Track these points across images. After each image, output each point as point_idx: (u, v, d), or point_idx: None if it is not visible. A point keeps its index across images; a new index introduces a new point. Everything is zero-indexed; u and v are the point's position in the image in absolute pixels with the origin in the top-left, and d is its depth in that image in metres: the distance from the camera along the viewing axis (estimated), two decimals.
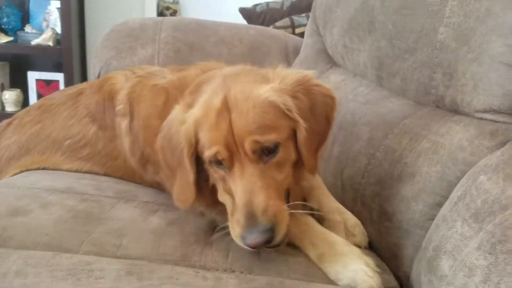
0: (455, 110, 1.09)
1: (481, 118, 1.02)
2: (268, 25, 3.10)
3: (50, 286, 0.79)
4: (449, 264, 0.79)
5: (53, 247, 0.93)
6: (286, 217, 0.93)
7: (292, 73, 1.07)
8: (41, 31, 3.61)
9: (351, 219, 1.13)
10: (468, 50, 1.02)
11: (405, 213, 1.06)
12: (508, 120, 0.98)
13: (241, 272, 0.93)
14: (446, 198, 0.97)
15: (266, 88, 0.98)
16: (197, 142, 0.99)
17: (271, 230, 0.89)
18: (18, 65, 3.75)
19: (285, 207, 0.94)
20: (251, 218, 0.89)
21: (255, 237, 0.88)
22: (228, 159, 0.94)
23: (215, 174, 1.00)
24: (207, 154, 0.95)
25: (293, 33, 2.87)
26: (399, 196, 1.09)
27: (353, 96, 1.51)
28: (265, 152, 0.94)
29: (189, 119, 0.99)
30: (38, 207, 1.05)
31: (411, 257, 1.02)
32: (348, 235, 1.10)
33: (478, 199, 0.82)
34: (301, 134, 0.98)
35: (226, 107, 0.95)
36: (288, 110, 0.97)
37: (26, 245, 0.92)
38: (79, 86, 1.48)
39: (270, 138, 0.93)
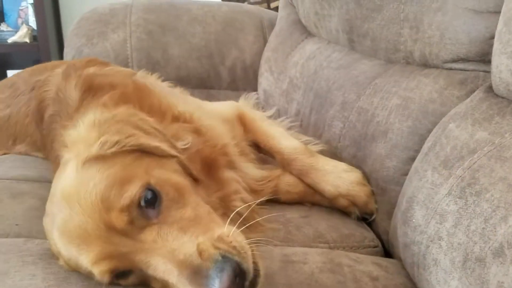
0: (424, 64, 1.07)
1: (450, 69, 1.00)
2: (243, 1, 3.06)
3: (20, 270, 0.77)
4: (422, 214, 0.78)
5: (23, 235, 0.91)
6: (235, 241, 0.70)
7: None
8: (16, 29, 3.55)
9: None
10: (432, 0, 1.00)
11: (380, 171, 1.05)
12: (477, 68, 0.97)
13: None
14: (418, 152, 0.96)
15: None
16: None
17: (224, 263, 0.66)
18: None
19: (223, 231, 0.72)
20: (195, 271, 0.66)
21: (218, 281, 0.64)
22: (120, 256, 0.69)
23: None
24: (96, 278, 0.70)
25: (269, 7, 2.83)
26: (373, 155, 1.08)
27: (327, 63, 1.49)
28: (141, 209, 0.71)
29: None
30: (9, 197, 1.03)
31: (388, 213, 1.01)
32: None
33: (448, 147, 0.80)
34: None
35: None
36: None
37: None
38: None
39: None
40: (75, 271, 0.75)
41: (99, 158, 0.74)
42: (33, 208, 1.00)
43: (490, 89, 0.86)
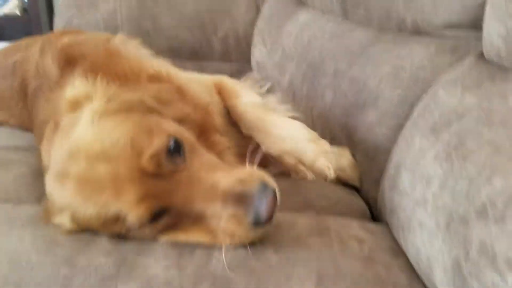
0: (416, 31, 1.06)
1: (442, 36, 1.00)
2: None
3: (7, 234, 0.77)
4: (409, 178, 0.79)
5: (12, 202, 0.91)
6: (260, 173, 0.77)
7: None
8: (7, 1, 3.49)
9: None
10: None
11: (369, 139, 1.05)
12: (469, 34, 0.96)
13: None
14: (408, 119, 0.96)
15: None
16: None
17: (265, 184, 0.72)
18: None
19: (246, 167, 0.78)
20: (239, 196, 0.70)
21: (264, 201, 0.70)
22: (155, 198, 0.71)
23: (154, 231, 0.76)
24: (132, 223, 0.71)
25: None
26: (363, 123, 1.08)
27: (321, 34, 1.47)
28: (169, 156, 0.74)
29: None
30: None
31: (377, 181, 1.01)
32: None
33: (436, 113, 0.80)
34: None
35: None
36: None
37: None
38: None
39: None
40: (82, 227, 0.75)
41: (111, 113, 0.75)
42: (22, 176, 0.99)
43: (481, 56, 0.85)
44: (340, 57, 1.25)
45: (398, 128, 0.98)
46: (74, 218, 0.75)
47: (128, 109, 0.78)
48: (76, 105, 0.80)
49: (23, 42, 1.45)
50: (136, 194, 0.69)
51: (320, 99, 1.29)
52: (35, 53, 1.19)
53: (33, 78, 1.14)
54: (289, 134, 1.08)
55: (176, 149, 0.73)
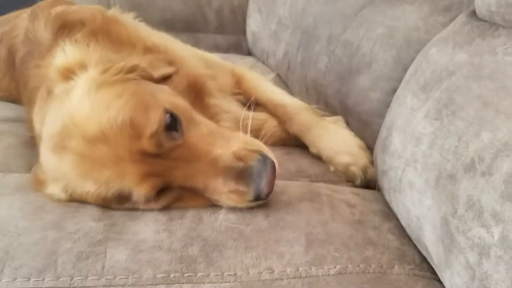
0: None
1: None
2: None
3: None
4: (400, 139, 0.78)
5: (2, 172, 0.91)
6: (255, 143, 0.79)
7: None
8: None
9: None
10: None
11: (363, 104, 1.04)
12: None
13: None
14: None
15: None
16: None
17: (265, 158, 0.73)
18: None
19: (241, 137, 0.79)
20: (239, 172, 0.71)
21: (265, 177, 0.71)
22: (160, 176, 0.72)
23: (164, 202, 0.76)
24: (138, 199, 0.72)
25: None
26: (357, 88, 1.06)
27: None
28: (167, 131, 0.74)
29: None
30: None
31: (371, 147, 1.00)
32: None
33: (428, 71, 0.79)
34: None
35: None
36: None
37: None
38: None
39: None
40: (76, 200, 0.76)
41: (108, 84, 0.74)
42: (12, 146, 0.99)
43: (473, 14, 0.83)
44: (334, 21, 1.23)
45: (392, 92, 0.97)
46: (68, 191, 0.75)
47: (123, 78, 0.77)
48: (68, 73, 0.78)
49: (13, 13, 1.42)
50: (138, 174, 0.70)
51: (314, 65, 1.27)
52: (24, 19, 1.17)
53: (21, 44, 1.12)
54: (342, 140, 1.06)
55: (172, 124, 0.73)
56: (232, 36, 2.01)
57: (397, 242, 0.74)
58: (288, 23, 1.57)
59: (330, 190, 0.87)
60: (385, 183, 0.82)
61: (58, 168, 0.74)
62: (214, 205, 0.78)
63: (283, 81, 1.60)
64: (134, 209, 0.75)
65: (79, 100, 0.72)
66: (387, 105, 0.98)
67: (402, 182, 0.74)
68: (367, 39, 1.06)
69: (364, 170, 1.01)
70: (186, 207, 0.77)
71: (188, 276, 0.65)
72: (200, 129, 0.77)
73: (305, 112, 1.10)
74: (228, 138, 0.77)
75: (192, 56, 1.10)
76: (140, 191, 0.71)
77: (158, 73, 0.84)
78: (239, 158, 0.72)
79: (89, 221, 0.72)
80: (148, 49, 0.95)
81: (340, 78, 1.13)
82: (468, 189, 0.57)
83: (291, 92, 1.39)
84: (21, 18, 1.22)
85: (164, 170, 0.71)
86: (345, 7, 1.21)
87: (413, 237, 0.73)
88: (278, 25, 1.65)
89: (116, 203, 0.74)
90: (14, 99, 1.28)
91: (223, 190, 0.72)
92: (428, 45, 0.87)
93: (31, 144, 1.00)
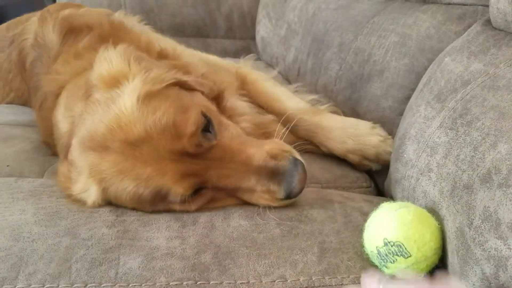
0: (423, 0, 1.03)
1: (449, 3, 0.97)
2: None
3: (10, 206, 0.77)
4: (413, 148, 0.77)
5: (14, 176, 0.91)
6: (286, 145, 0.81)
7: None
8: None
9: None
10: None
11: (375, 111, 1.04)
12: (476, 2, 0.94)
13: None
14: (414, 90, 0.94)
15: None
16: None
17: (296, 159, 0.76)
18: None
19: (273, 139, 0.83)
20: (272, 171, 0.74)
21: (296, 176, 0.74)
22: (194, 175, 0.74)
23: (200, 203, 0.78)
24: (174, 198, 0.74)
25: None
26: (369, 96, 1.06)
27: (326, 5, 1.44)
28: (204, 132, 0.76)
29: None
30: (0, 141, 1.03)
31: None
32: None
33: (442, 80, 0.78)
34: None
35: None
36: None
37: None
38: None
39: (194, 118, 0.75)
40: (107, 200, 0.76)
41: (154, 92, 0.77)
42: (24, 151, 1.00)
43: (487, 23, 0.83)
44: (345, 28, 1.23)
45: (405, 100, 0.97)
46: (103, 187, 0.75)
47: (166, 86, 0.80)
48: (113, 81, 0.80)
49: (25, 16, 1.44)
50: (178, 173, 0.72)
51: (324, 72, 1.27)
52: (33, 22, 1.18)
53: (31, 48, 1.13)
54: (348, 134, 1.05)
55: (207, 126, 0.76)
56: (241, 41, 2.01)
57: None
58: (298, 29, 1.57)
59: (342, 197, 0.87)
60: (398, 192, 0.81)
61: (97, 165, 0.75)
62: (226, 211, 0.78)
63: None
64: (167, 210, 0.77)
65: (127, 107, 0.74)
66: (399, 113, 0.98)
67: (416, 192, 0.73)
68: (379, 47, 1.06)
69: (377, 158, 1.02)
70: (218, 208, 0.79)
71: (201, 284, 0.65)
72: (230, 131, 0.80)
73: (306, 115, 1.10)
74: (259, 142, 0.81)
75: (198, 61, 1.10)
76: (178, 190, 0.72)
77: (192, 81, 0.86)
78: (272, 156, 0.75)
79: (102, 227, 0.73)
80: (161, 55, 0.96)
81: (351, 85, 1.13)
82: (485, 201, 0.57)
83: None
84: (30, 21, 1.24)
85: (201, 170, 0.74)
86: (356, 14, 1.21)
87: None
88: (288, 31, 1.65)
89: (150, 203, 0.75)
90: (26, 100, 1.29)
91: (256, 188, 0.75)
92: (441, 54, 0.87)
93: (43, 149, 1.00)
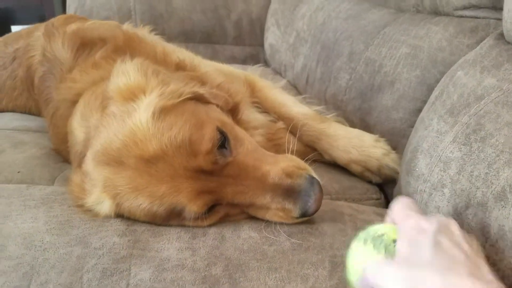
0: (434, 12, 1.03)
1: (461, 16, 0.97)
2: None
3: (21, 213, 0.77)
4: (426, 163, 0.77)
5: (25, 182, 0.92)
6: (300, 163, 0.80)
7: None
8: None
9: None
10: None
11: (385, 123, 1.03)
12: (489, 15, 0.93)
13: None
14: (426, 102, 0.94)
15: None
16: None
17: (312, 178, 0.75)
18: (1, 19, 3.65)
19: (287, 155, 0.82)
20: (287, 189, 0.74)
21: (312, 196, 0.73)
22: (209, 191, 0.73)
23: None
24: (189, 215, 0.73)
25: None
26: (379, 107, 1.06)
27: (336, 14, 1.44)
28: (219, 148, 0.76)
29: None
30: (10, 146, 1.04)
31: None
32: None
33: (455, 94, 0.78)
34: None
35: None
36: None
37: None
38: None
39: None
40: (119, 213, 0.76)
41: (170, 107, 0.76)
42: (35, 157, 1.00)
43: (500, 36, 0.83)
44: (355, 37, 1.23)
45: (416, 111, 0.97)
46: (117, 202, 0.75)
47: (182, 100, 0.79)
48: (130, 95, 0.79)
49: (24, 30, 1.42)
50: (193, 191, 0.72)
51: (334, 81, 1.27)
52: (39, 38, 1.17)
53: (39, 64, 1.13)
54: (352, 144, 1.06)
55: (223, 142, 0.76)
56: (249, 47, 2.02)
57: None
58: (307, 37, 1.57)
59: (352, 209, 0.86)
60: None
61: (111, 180, 0.75)
62: (236, 222, 0.78)
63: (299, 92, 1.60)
64: (180, 225, 0.76)
65: (142, 122, 0.74)
66: (409, 125, 0.98)
67: (428, 207, 0.73)
68: (390, 58, 1.06)
69: (379, 171, 1.03)
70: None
71: None
72: (245, 146, 0.79)
73: (311, 121, 1.11)
74: (273, 155, 0.81)
75: (214, 71, 1.10)
76: (192, 208, 0.72)
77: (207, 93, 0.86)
78: (288, 174, 0.74)
79: (113, 236, 0.73)
80: (179, 66, 0.96)
81: (361, 95, 1.13)
82: (500, 219, 0.56)
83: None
84: (34, 37, 1.23)
85: (216, 187, 0.73)
86: (367, 24, 1.21)
87: None
88: (297, 39, 1.65)
89: (164, 219, 0.75)
90: (34, 114, 1.29)
91: (271, 206, 0.74)
92: (454, 67, 0.87)
93: (54, 155, 1.01)
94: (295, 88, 1.66)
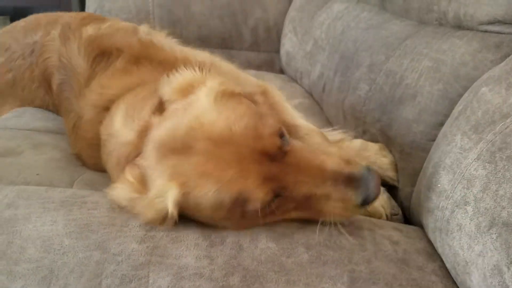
0: (458, 26, 1.02)
1: (485, 31, 0.96)
2: None
3: (41, 216, 0.78)
4: (448, 179, 0.76)
5: (44, 185, 0.92)
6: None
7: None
8: None
9: None
10: None
11: (406, 136, 1.02)
12: None
13: None
14: (448, 117, 0.93)
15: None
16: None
17: (368, 165, 0.76)
18: (19, 18, 3.68)
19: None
20: (347, 177, 0.74)
21: (372, 182, 0.74)
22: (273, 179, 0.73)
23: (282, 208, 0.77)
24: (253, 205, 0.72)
25: None
26: (400, 119, 1.05)
27: (355, 23, 1.44)
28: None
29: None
30: (30, 148, 1.04)
31: (412, 179, 0.99)
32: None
33: (479, 111, 0.77)
34: None
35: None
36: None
37: (16, 184, 0.91)
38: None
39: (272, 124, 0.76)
40: (184, 208, 0.74)
41: (229, 94, 0.78)
42: (54, 159, 1.00)
43: None
44: (376, 48, 1.22)
45: (437, 125, 0.96)
46: (184, 194, 0.72)
47: (237, 93, 0.81)
48: (187, 90, 0.80)
49: (43, 19, 1.40)
50: (260, 176, 0.71)
51: (352, 92, 1.26)
52: (55, 39, 1.17)
53: (56, 70, 1.13)
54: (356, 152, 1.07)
55: (282, 132, 0.77)
56: (265, 54, 2.02)
57: (441, 285, 0.72)
58: (325, 45, 1.57)
59: (372, 224, 0.86)
60: (430, 222, 0.80)
61: (180, 166, 0.73)
62: (253, 232, 0.77)
63: (315, 101, 1.60)
64: (237, 222, 0.75)
65: (205, 106, 0.75)
66: (431, 139, 0.97)
67: (450, 224, 0.72)
68: (412, 70, 1.05)
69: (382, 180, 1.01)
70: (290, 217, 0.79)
71: None
72: (296, 141, 0.80)
73: (315, 134, 1.10)
74: (325, 146, 0.84)
75: (231, 75, 1.11)
76: (259, 194, 0.71)
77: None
78: (346, 165, 0.75)
79: (132, 242, 0.72)
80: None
81: (381, 107, 1.12)
82: None
83: (326, 114, 1.39)
84: (51, 37, 1.22)
85: (279, 174, 0.73)
86: (388, 36, 1.21)
87: (458, 281, 0.71)
88: (314, 47, 1.65)
89: (228, 210, 0.72)
90: (51, 111, 1.29)
91: (332, 195, 0.74)
92: (477, 82, 0.86)
93: (73, 159, 1.01)
94: (311, 96, 1.66)
